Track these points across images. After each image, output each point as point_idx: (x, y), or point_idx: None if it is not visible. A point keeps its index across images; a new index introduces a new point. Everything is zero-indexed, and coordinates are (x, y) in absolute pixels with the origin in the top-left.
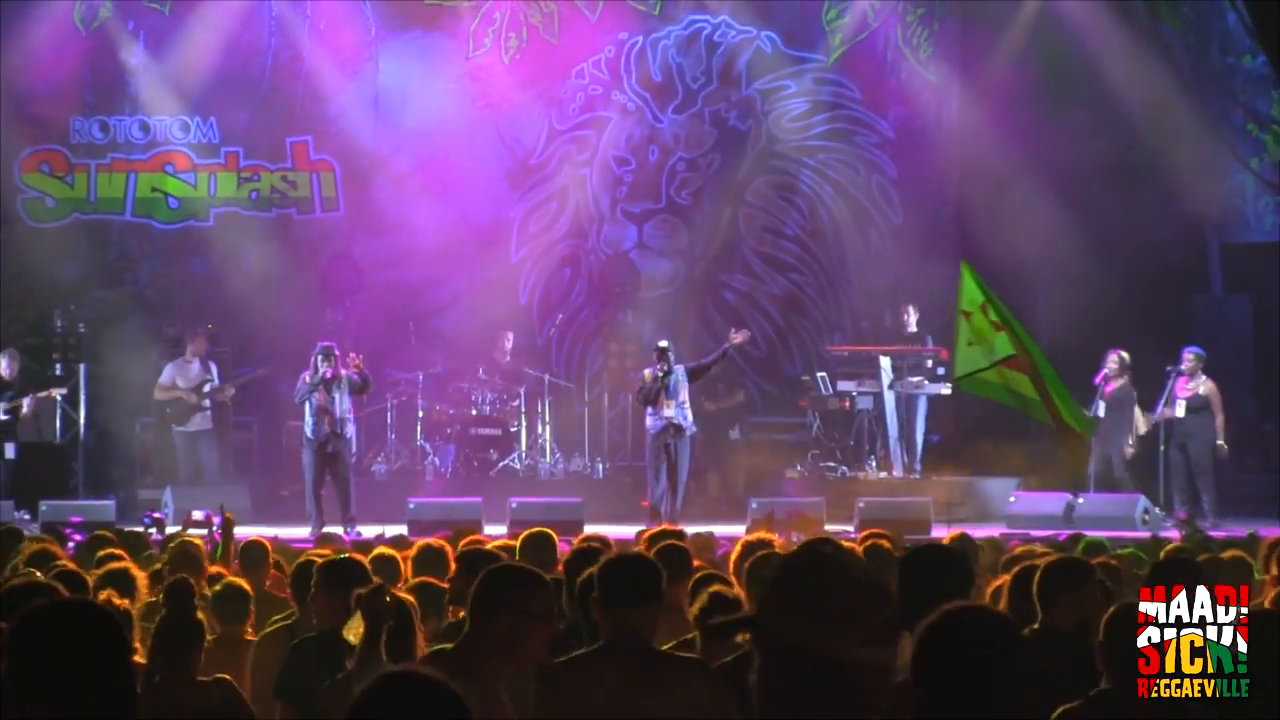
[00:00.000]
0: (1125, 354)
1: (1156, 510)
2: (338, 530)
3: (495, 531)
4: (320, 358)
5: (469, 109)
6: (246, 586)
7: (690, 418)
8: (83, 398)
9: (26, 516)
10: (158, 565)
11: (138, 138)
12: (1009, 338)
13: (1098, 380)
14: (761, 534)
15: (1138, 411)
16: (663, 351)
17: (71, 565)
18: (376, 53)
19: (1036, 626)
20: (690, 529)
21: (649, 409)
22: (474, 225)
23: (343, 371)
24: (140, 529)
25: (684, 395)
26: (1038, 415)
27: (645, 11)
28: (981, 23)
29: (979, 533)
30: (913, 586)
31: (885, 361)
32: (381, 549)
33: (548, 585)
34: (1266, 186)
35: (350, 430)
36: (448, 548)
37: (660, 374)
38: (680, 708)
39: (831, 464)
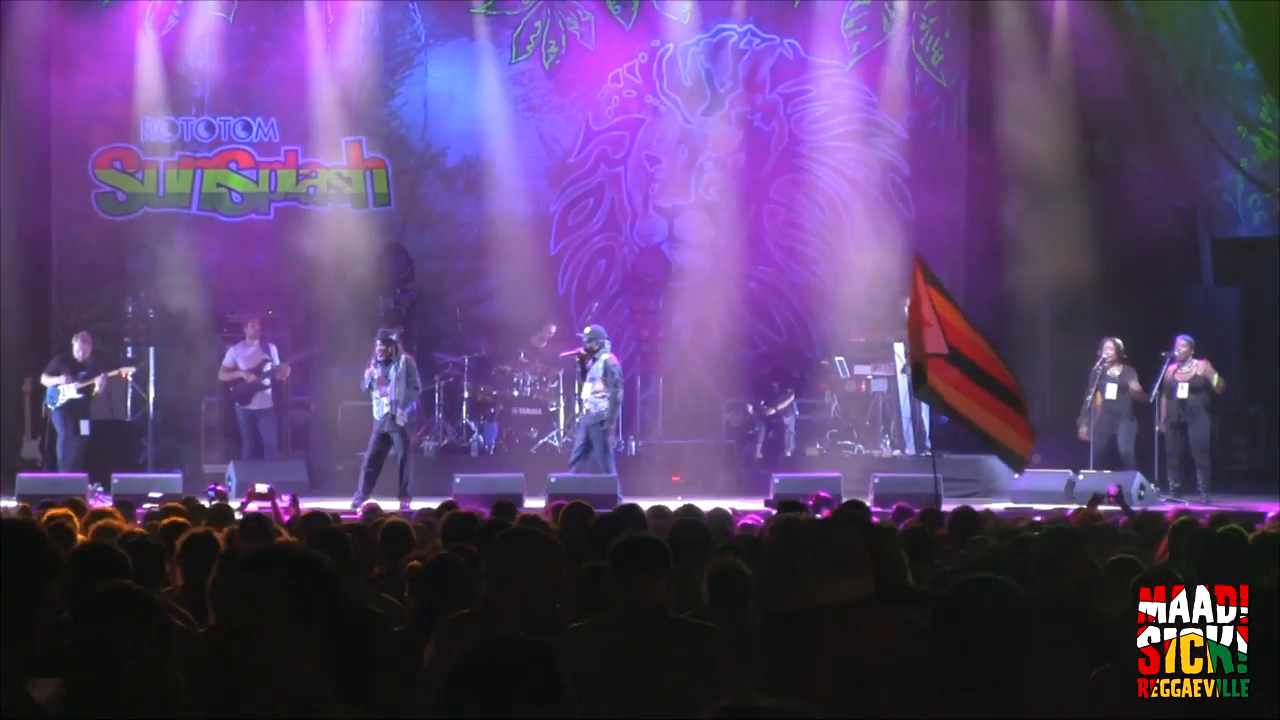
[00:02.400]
0: (1119, 341)
1: (1152, 486)
2: (391, 505)
3: (535, 504)
4: (379, 343)
5: (511, 111)
6: None
7: (600, 406)
8: (152, 378)
9: (99, 489)
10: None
11: (203, 137)
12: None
13: (1098, 367)
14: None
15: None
16: (584, 337)
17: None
18: (426, 59)
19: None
20: (710, 504)
21: None
22: (516, 219)
23: (403, 356)
24: (205, 501)
25: (600, 386)
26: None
27: (676, 21)
28: (988, 30)
29: (984, 507)
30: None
31: (898, 347)
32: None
33: (552, 549)
34: (1255, 185)
35: (402, 414)
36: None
37: (577, 358)
38: (688, 668)
39: (849, 442)
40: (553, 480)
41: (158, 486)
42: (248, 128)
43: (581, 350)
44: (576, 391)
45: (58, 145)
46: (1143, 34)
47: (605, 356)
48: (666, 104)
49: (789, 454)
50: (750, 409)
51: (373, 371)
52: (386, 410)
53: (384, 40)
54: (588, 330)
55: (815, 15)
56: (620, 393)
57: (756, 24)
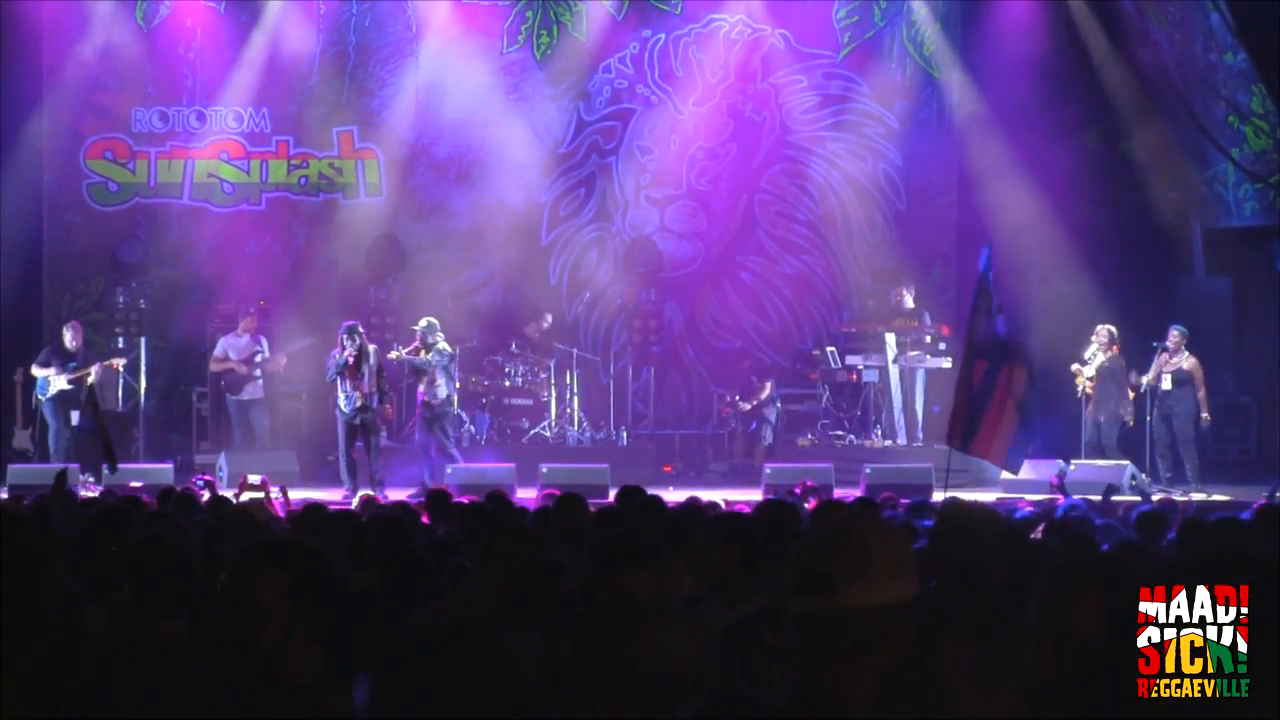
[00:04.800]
0: (1113, 328)
1: (1143, 476)
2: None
3: (526, 495)
4: (345, 336)
5: (503, 102)
6: None
7: (436, 397)
8: (144, 369)
9: (91, 479)
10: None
11: (195, 127)
12: None
13: (1088, 355)
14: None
15: (1134, 378)
16: (420, 330)
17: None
18: (418, 49)
19: None
20: (705, 496)
21: None
22: (508, 210)
23: (370, 347)
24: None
25: (439, 378)
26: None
27: (668, 11)
28: (980, 21)
29: (974, 497)
30: None
31: (890, 337)
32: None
33: (541, 542)
34: (1246, 175)
35: (377, 402)
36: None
37: (416, 354)
38: (669, 660)
39: (840, 433)
40: (544, 470)
41: (149, 477)
42: (239, 118)
43: (418, 344)
44: (420, 386)
45: (49, 136)
46: (1135, 24)
47: (440, 346)
48: (658, 94)
49: (770, 445)
50: (726, 405)
51: (339, 363)
52: (360, 403)
53: (375, 30)
54: (423, 322)
55: (807, 6)
56: (455, 376)
57: (748, 14)
